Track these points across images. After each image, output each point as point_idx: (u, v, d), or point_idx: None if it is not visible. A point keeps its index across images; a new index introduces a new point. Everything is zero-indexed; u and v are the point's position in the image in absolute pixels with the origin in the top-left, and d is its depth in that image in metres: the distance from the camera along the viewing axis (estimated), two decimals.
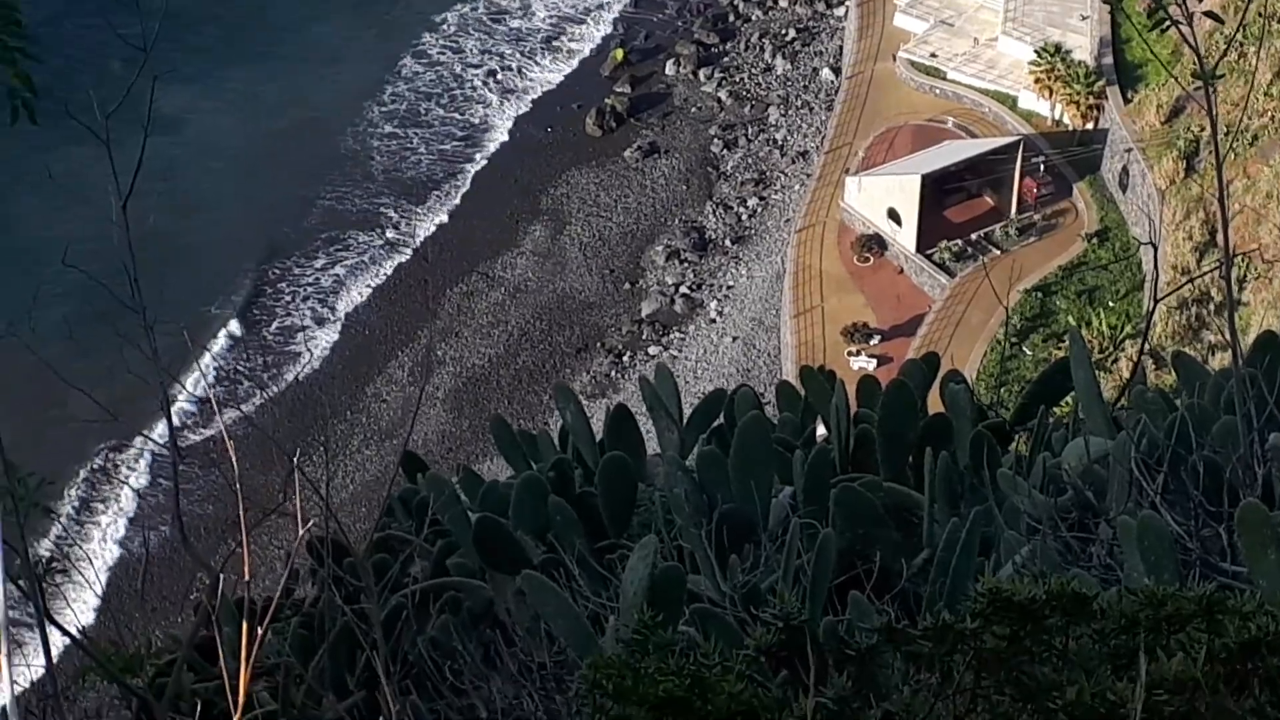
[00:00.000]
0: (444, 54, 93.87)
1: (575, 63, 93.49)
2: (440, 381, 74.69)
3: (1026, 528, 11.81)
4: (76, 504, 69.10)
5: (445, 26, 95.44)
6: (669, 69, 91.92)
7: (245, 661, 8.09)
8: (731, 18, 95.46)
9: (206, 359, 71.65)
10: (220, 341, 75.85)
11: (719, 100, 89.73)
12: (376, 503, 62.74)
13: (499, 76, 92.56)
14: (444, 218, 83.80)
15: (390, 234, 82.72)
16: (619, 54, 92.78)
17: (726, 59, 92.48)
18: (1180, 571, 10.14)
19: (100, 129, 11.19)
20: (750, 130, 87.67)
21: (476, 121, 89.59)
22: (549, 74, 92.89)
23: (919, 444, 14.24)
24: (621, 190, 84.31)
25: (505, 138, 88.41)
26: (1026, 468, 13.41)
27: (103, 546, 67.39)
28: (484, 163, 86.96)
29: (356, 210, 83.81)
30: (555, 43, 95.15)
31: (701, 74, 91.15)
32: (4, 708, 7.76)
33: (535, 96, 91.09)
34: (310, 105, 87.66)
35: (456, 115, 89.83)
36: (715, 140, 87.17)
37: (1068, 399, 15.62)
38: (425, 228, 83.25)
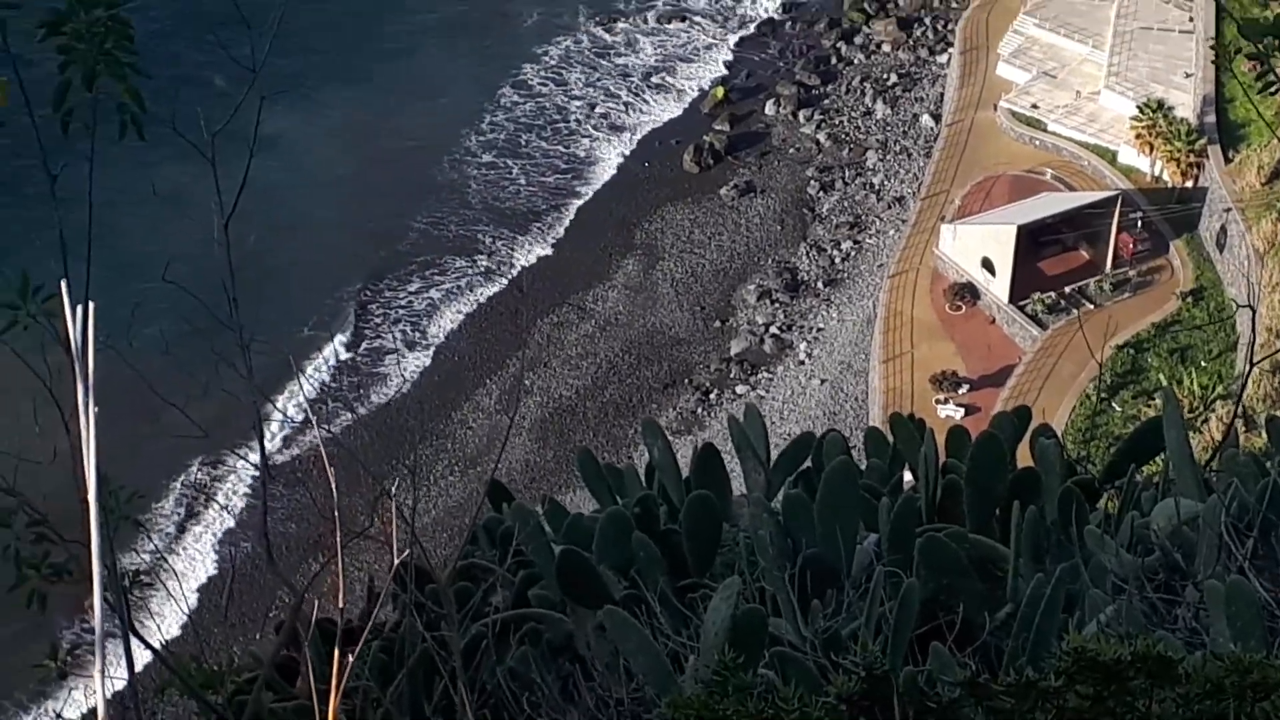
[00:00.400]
0: (545, 85, 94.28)
1: (686, 102, 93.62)
2: (527, 411, 74.81)
3: (1112, 587, 11.71)
4: (171, 518, 69.63)
5: (547, 59, 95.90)
6: (769, 109, 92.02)
7: (336, 686, 8.13)
8: (834, 60, 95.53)
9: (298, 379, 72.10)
10: (313, 362, 76.31)
11: (817, 142, 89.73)
12: (458, 529, 62.92)
13: (605, 111, 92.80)
14: (546, 249, 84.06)
15: (485, 262, 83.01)
16: (719, 92, 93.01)
17: (827, 101, 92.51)
18: (1268, 639, 10.03)
19: (206, 147, 11.28)
20: (847, 173, 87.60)
21: (581, 155, 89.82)
22: (657, 111, 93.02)
23: (1007, 497, 14.16)
24: (716, 228, 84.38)
25: (614, 172, 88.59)
26: (1114, 526, 13.30)
27: (189, 562, 67.83)
28: (588, 196, 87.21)
29: (452, 237, 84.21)
30: (660, 79, 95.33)
31: (801, 115, 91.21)
32: (95, 712, 7.84)
33: (642, 135, 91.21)
34: (409, 132, 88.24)
35: (560, 148, 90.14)
36: (812, 182, 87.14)
37: (1158, 458, 15.49)
38: (524, 257, 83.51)
